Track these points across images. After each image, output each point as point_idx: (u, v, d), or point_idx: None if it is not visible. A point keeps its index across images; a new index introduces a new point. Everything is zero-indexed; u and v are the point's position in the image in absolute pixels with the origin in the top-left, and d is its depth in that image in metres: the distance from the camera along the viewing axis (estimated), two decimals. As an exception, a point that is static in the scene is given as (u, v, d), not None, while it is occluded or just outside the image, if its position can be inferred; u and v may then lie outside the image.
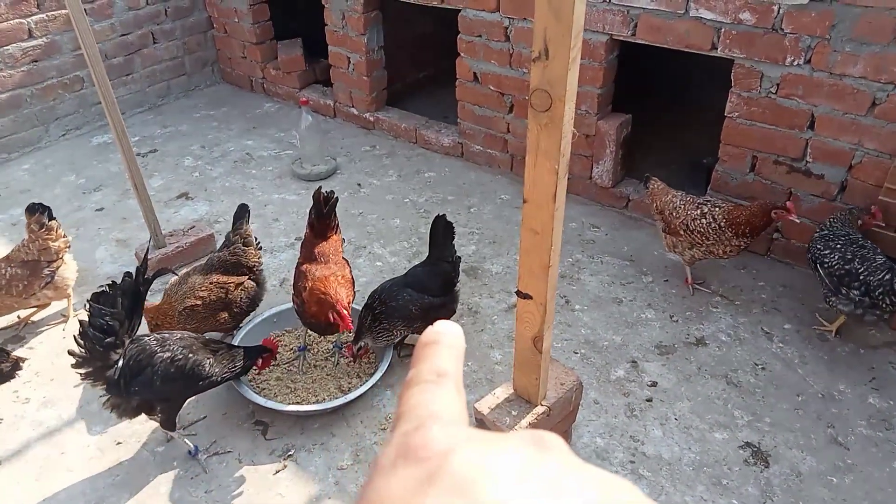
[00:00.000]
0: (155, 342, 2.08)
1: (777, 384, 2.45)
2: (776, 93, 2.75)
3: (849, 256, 2.49)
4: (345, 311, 2.20)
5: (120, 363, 1.99)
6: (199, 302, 2.42)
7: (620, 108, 3.41)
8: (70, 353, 1.96)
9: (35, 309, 2.81)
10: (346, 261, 2.51)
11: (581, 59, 3.21)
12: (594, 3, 3.02)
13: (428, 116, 4.25)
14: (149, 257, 2.49)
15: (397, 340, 2.51)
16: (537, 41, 1.51)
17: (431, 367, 0.30)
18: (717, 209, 2.69)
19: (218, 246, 2.82)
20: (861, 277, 2.44)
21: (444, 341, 0.32)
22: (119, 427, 2.34)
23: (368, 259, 3.19)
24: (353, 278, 2.49)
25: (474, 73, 3.67)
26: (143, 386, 2.00)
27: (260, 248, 2.66)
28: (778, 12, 2.61)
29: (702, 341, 2.66)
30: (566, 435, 2.20)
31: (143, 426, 2.35)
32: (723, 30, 2.76)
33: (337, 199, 2.52)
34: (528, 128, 1.57)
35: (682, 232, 2.73)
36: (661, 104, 4.21)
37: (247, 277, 2.55)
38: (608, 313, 2.82)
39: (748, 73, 2.78)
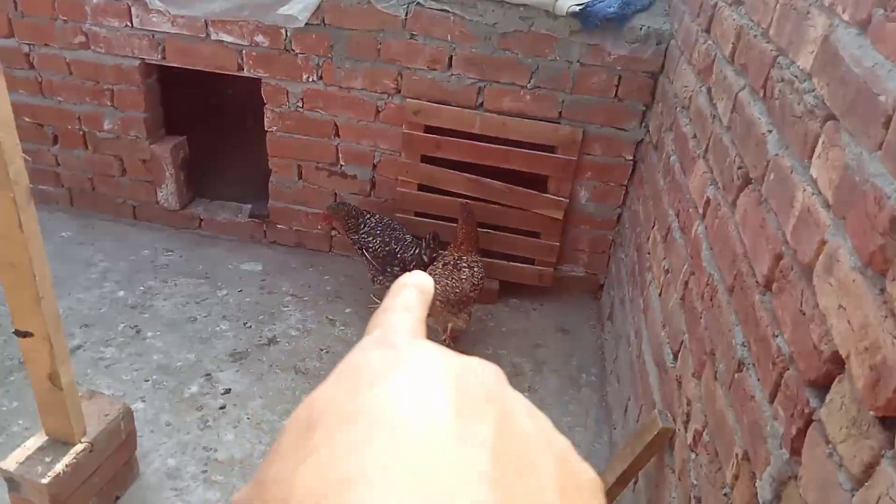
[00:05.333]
0: None
1: (333, 364, 2.72)
2: (302, 106, 3.06)
3: (387, 240, 2.91)
4: None
5: None
6: None
7: (180, 131, 3.43)
8: None
9: None
10: None
11: (118, 83, 3.15)
12: (118, 28, 2.97)
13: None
14: None
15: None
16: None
17: (402, 302, 0.36)
18: None
19: None
20: (398, 255, 2.88)
21: (411, 284, 0.38)
22: None
23: None
24: None
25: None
26: None
27: None
28: (286, 35, 2.90)
29: (273, 340, 2.83)
30: (129, 465, 2.14)
31: None
32: (244, 51, 2.97)
33: None
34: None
35: None
36: (232, 125, 4.34)
37: None
38: (182, 334, 2.82)
39: (275, 91, 3.04)
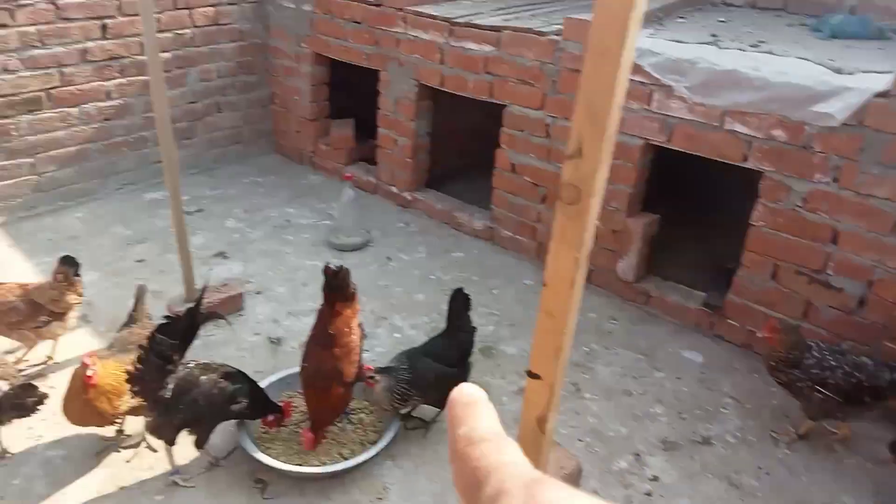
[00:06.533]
0: (198, 369, 2.34)
1: (779, 490, 2.41)
2: (802, 206, 2.83)
3: (847, 369, 2.47)
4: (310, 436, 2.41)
5: (171, 385, 2.23)
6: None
7: (650, 207, 3.52)
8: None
9: (53, 344, 2.92)
10: (361, 327, 2.58)
11: (616, 159, 3.37)
12: (635, 110, 3.19)
13: (463, 200, 4.42)
14: (179, 311, 2.50)
15: (405, 411, 2.56)
16: (573, 141, 1.63)
17: (485, 425, 0.35)
18: None
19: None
20: (866, 385, 2.45)
21: (480, 400, 0.37)
22: (122, 473, 2.42)
23: (387, 330, 3.27)
24: (359, 348, 2.52)
25: (512, 164, 3.85)
26: (188, 405, 2.26)
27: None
28: (809, 132, 2.71)
29: (708, 440, 2.64)
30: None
31: (147, 472, 2.42)
32: (754, 144, 2.88)
33: (347, 272, 2.49)
34: (555, 218, 1.68)
35: None
36: (689, 207, 4.30)
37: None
38: (617, 404, 2.83)
39: (776, 186, 2.88)
